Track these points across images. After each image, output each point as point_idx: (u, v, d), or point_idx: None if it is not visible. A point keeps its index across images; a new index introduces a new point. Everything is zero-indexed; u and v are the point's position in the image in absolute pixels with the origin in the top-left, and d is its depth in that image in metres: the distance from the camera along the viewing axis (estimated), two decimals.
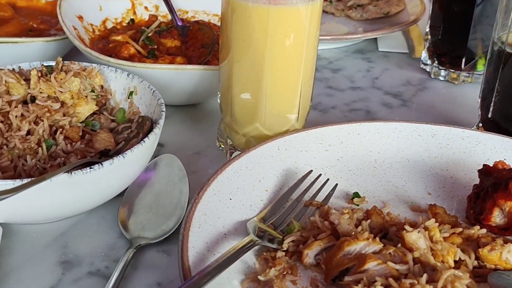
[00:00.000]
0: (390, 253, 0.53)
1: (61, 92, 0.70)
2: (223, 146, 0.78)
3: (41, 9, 1.08)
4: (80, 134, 0.68)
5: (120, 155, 0.58)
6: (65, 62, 0.75)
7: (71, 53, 0.98)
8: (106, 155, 0.67)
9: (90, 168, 0.56)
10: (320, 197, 0.64)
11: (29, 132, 0.66)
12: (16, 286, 0.56)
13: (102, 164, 0.57)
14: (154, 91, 0.71)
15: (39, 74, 0.71)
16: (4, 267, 0.58)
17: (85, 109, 0.71)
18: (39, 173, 0.62)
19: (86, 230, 0.64)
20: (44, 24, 1.01)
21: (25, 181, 0.53)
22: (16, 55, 0.89)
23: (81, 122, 0.71)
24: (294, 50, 0.67)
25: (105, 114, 0.73)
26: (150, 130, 0.68)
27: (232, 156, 0.74)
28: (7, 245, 0.61)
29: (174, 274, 0.58)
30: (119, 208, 0.65)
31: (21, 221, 0.63)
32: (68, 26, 0.86)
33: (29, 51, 0.89)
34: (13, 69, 0.74)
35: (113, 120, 0.74)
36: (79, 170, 0.56)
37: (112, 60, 0.78)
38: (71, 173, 0.55)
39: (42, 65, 0.73)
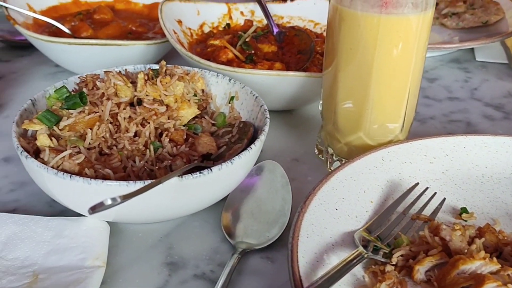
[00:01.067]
0: (508, 274, 0.51)
1: (166, 95, 0.72)
2: (322, 154, 0.77)
3: (138, 12, 1.11)
4: (184, 137, 0.69)
5: (228, 161, 0.59)
6: (169, 66, 0.77)
7: (167, 56, 1.00)
8: (207, 158, 0.68)
9: (200, 172, 0.57)
10: (427, 211, 0.63)
11: (135, 134, 0.68)
12: (126, 284, 0.58)
13: (211, 169, 0.58)
14: (256, 97, 0.72)
15: (146, 78, 0.72)
16: (113, 265, 0.60)
17: (188, 112, 0.73)
18: (147, 175, 0.63)
19: (189, 233, 0.65)
20: (142, 27, 1.04)
21: (141, 184, 0.54)
22: (117, 57, 0.92)
23: (183, 126, 0.72)
24: (403, 60, 0.66)
25: (206, 118, 0.74)
26: (254, 136, 0.69)
27: (335, 166, 0.74)
28: (114, 243, 0.63)
29: (280, 282, 0.58)
30: (222, 213, 0.66)
31: (128, 221, 0.64)
32: (169, 30, 0.88)
33: (129, 53, 0.92)
34: (120, 71, 0.77)
35: (213, 124, 0.75)
36: (189, 175, 0.57)
37: (213, 64, 0.79)
38: (181, 177, 0.56)
39: (149, 68, 0.75)
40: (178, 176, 0.56)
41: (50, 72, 1.02)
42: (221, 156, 0.67)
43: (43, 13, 1.06)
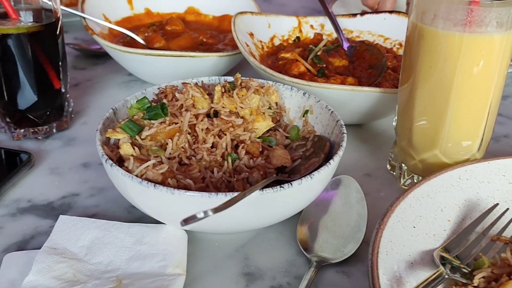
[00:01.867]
0: None
1: (241, 108, 0.73)
2: (395, 170, 0.77)
3: (208, 24, 1.13)
4: (260, 150, 0.70)
5: (308, 176, 0.59)
6: (243, 78, 0.78)
7: (236, 67, 1.01)
8: (282, 171, 0.69)
9: (281, 187, 0.58)
10: (507, 233, 0.61)
11: (212, 145, 0.69)
12: None
13: (291, 184, 0.58)
14: (332, 111, 0.72)
15: (223, 90, 0.74)
16: (192, 273, 0.61)
17: (263, 125, 0.74)
18: (225, 186, 0.64)
19: (265, 244, 0.65)
20: (212, 38, 1.05)
21: (222, 196, 0.55)
22: (189, 67, 0.93)
23: (258, 138, 0.73)
24: (484, 79, 0.65)
25: (280, 131, 0.75)
26: (330, 150, 0.69)
27: (408, 182, 0.73)
28: (192, 251, 0.64)
29: None
30: (298, 226, 0.66)
31: (206, 231, 0.65)
32: (242, 43, 0.89)
33: (201, 64, 0.94)
34: (196, 83, 0.78)
35: (287, 137, 0.75)
36: (270, 188, 0.57)
37: (286, 78, 0.80)
38: (263, 190, 0.57)
39: (226, 81, 0.77)
40: (260, 189, 0.57)
41: (123, 81, 1.05)
42: (296, 170, 0.68)
43: (117, 23, 1.09)
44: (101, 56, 1.14)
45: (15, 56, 0.81)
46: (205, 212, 0.47)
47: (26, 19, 0.83)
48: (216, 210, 0.49)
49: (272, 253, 0.64)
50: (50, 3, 0.83)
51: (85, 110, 0.95)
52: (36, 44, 0.81)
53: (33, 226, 0.69)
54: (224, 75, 0.97)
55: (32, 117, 0.86)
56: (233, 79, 0.79)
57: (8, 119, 0.86)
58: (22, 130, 0.86)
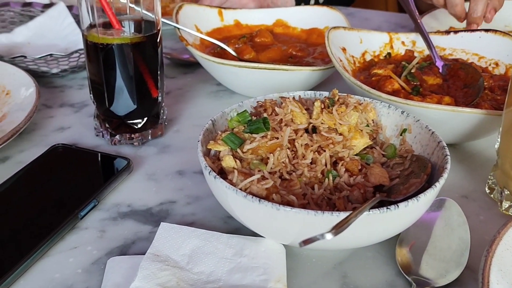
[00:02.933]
0: None
1: (340, 124, 0.72)
2: (494, 193, 0.74)
3: (296, 36, 1.13)
4: (359, 167, 0.69)
5: (414, 198, 0.58)
6: (341, 94, 0.77)
7: (325, 82, 1.00)
8: (380, 190, 0.67)
9: (387, 208, 0.56)
10: None
11: (311, 161, 0.68)
12: None
13: (397, 206, 0.57)
14: (433, 132, 0.70)
15: (322, 106, 0.73)
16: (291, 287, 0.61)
17: (360, 142, 0.72)
18: (325, 203, 0.63)
19: (363, 263, 0.64)
20: (301, 51, 1.05)
21: (329, 215, 0.55)
22: (279, 80, 0.93)
23: (355, 155, 0.72)
24: None
25: (377, 148, 0.74)
26: (431, 172, 0.67)
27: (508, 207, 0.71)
28: (290, 266, 0.63)
29: None
30: (397, 247, 0.64)
31: (307, 247, 0.64)
32: (336, 58, 0.88)
33: (292, 77, 0.93)
34: (294, 97, 0.78)
35: (383, 155, 0.74)
36: (377, 209, 0.56)
37: (383, 95, 0.79)
38: (369, 211, 0.56)
39: (326, 97, 0.76)
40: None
41: (212, 90, 1.06)
42: (395, 189, 0.66)
43: (208, 34, 1.11)
44: (190, 66, 1.15)
45: (117, 65, 0.83)
46: (322, 235, 0.47)
47: (128, 30, 0.85)
48: (336, 233, 0.48)
49: (370, 272, 0.63)
50: (152, 15, 0.84)
51: (177, 118, 0.97)
52: (138, 54, 0.83)
53: (134, 231, 0.70)
54: (312, 89, 0.96)
55: (130, 124, 0.87)
56: (328, 94, 0.79)
57: (107, 125, 0.88)
58: (120, 136, 0.88)
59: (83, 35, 0.85)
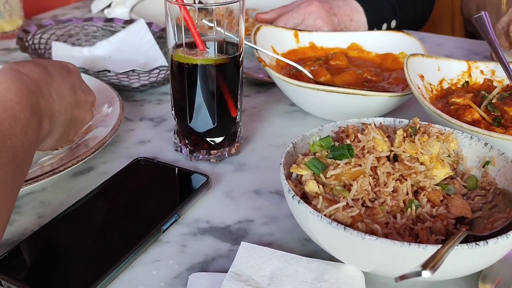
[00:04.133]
0: None
1: (422, 153, 0.70)
2: None
3: (370, 60, 1.12)
4: (441, 198, 0.67)
5: (504, 235, 0.56)
6: (422, 123, 0.76)
7: (400, 108, 0.98)
8: (460, 222, 0.65)
9: (476, 244, 0.54)
10: None
11: (392, 190, 0.67)
12: None
13: (487, 242, 0.55)
14: None
15: (404, 134, 0.72)
16: None
17: (441, 172, 0.70)
18: (408, 233, 0.62)
19: None
20: (376, 76, 1.04)
21: (415, 247, 0.53)
22: (356, 105, 0.92)
23: (436, 185, 0.70)
24: None
25: (458, 179, 0.72)
26: None
27: None
28: None
29: None
30: (479, 282, 0.62)
31: (387, 275, 0.63)
32: (414, 85, 0.86)
33: (369, 103, 0.92)
34: (374, 123, 0.76)
35: (464, 186, 0.72)
36: (465, 245, 0.55)
37: (465, 125, 0.77)
38: (458, 245, 0.54)
39: (408, 125, 0.74)
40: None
41: (286, 110, 1.06)
42: (477, 222, 0.64)
43: (284, 55, 1.11)
44: (264, 85, 1.15)
45: (200, 84, 0.84)
46: (419, 273, 0.46)
47: (212, 50, 0.85)
48: (434, 270, 0.46)
49: None
50: (235, 37, 0.85)
51: (252, 137, 0.97)
52: (220, 75, 0.84)
53: (213, 247, 0.70)
54: (387, 114, 0.95)
55: (208, 141, 0.88)
56: (407, 121, 0.77)
57: (186, 141, 0.89)
58: (198, 152, 0.89)
59: (168, 53, 0.86)
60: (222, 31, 0.85)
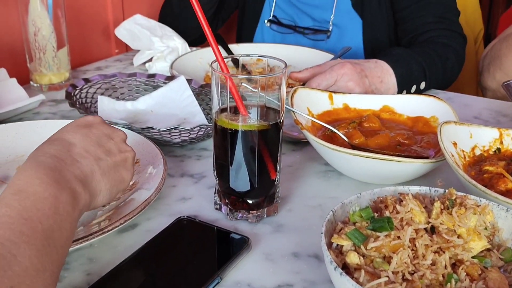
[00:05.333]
0: None
1: (459, 226, 0.70)
2: None
3: (402, 123, 1.12)
4: (479, 272, 0.66)
5: None
6: (458, 193, 0.76)
7: (432, 173, 0.98)
8: None
9: None
10: None
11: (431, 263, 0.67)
12: None
13: None
14: None
15: (442, 206, 0.72)
16: None
17: (478, 245, 0.70)
18: None
19: None
20: (409, 139, 1.04)
21: None
22: (390, 169, 0.93)
23: (473, 258, 0.69)
24: None
25: (495, 252, 0.71)
26: None
27: None
28: None
29: None
30: None
31: None
32: (448, 153, 0.87)
33: (403, 168, 0.92)
34: (412, 194, 0.77)
35: (500, 259, 0.71)
36: None
37: (500, 197, 0.76)
38: None
39: (445, 196, 0.74)
40: None
41: (321, 170, 1.07)
42: None
43: (319, 116, 1.12)
44: (299, 143, 1.17)
45: (242, 148, 0.85)
46: None
47: (254, 115, 0.87)
48: None
49: None
50: (278, 102, 0.86)
51: (289, 196, 0.97)
52: (261, 140, 0.85)
53: None
54: (419, 178, 0.95)
55: (248, 202, 0.89)
56: (443, 191, 0.77)
57: (226, 200, 0.90)
58: (238, 212, 0.89)
59: (213, 117, 0.88)
60: (264, 95, 0.87)
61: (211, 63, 0.85)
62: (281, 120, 0.87)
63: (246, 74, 1.48)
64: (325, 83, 1.24)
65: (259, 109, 0.87)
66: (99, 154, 0.77)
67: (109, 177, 0.78)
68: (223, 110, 0.87)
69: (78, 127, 0.80)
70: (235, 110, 0.87)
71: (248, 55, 0.96)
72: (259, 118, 0.87)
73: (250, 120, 0.86)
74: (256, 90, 0.85)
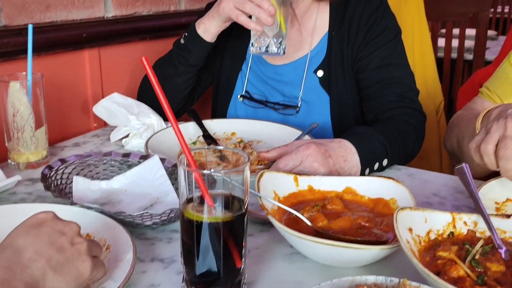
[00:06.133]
0: None
1: None
2: None
3: (364, 204, 1.15)
4: None
5: None
6: (412, 284, 0.78)
7: (388, 258, 1.01)
8: None
9: None
10: None
11: None
12: None
13: None
14: None
15: None
16: None
17: None
18: None
19: None
20: (369, 222, 1.07)
21: None
22: (350, 255, 0.95)
23: None
24: None
25: None
26: None
27: None
28: None
29: None
30: None
31: None
32: (403, 240, 0.90)
33: (360, 253, 0.95)
34: (367, 285, 0.79)
35: None
36: None
37: (450, 287, 0.79)
38: None
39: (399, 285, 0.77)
40: None
41: (286, 252, 1.08)
42: None
43: (285, 198, 1.15)
44: (267, 223, 1.18)
45: (208, 238, 0.87)
46: None
47: (219, 206, 0.89)
48: None
49: None
50: (242, 196, 0.89)
51: (255, 282, 0.99)
52: (226, 230, 0.88)
53: None
54: (378, 262, 0.97)
55: None
56: (398, 281, 0.79)
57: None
58: None
59: (180, 208, 0.90)
60: (229, 180, 0.89)
61: (178, 155, 0.88)
62: (245, 211, 0.89)
63: (218, 153, 1.52)
64: (291, 163, 1.28)
65: (223, 199, 0.90)
66: (51, 254, 0.78)
67: (64, 274, 0.79)
68: (189, 200, 0.90)
69: (29, 228, 0.81)
70: (201, 200, 0.89)
71: (214, 147, 0.99)
72: (223, 209, 0.89)
73: (215, 212, 0.88)
74: (221, 175, 0.88)
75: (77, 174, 1.36)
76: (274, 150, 1.37)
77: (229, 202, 0.91)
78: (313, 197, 1.17)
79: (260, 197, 1.07)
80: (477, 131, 1.32)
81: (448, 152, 1.64)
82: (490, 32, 3.85)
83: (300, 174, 1.19)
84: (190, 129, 1.73)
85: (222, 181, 0.90)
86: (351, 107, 1.78)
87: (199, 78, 1.93)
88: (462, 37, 2.90)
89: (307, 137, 1.60)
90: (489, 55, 2.95)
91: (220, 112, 1.98)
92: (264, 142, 1.69)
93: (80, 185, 1.32)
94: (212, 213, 0.88)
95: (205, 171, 0.88)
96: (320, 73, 1.78)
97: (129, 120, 1.68)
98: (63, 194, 1.26)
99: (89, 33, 1.88)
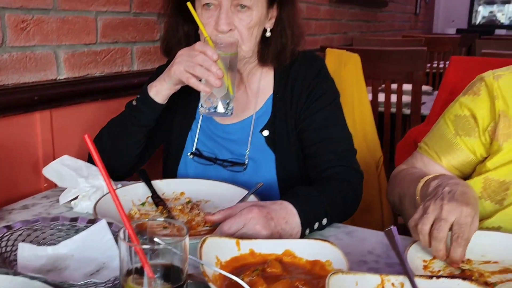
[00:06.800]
0: None
1: None
2: None
3: (302, 266, 1.19)
4: None
5: None
6: None
7: None
8: None
9: None
10: None
11: None
12: None
13: None
14: None
15: None
16: None
17: None
18: None
19: None
20: (307, 284, 1.10)
21: None
22: None
23: None
24: None
25: None
26: None
27: None
28: None
29: None
30: None
31: None
32: None
33: None
34: None
35: None
36: None
37: None
38: None
39: None
40: None
41: None
42: None
43: (227, 262, 1.18)
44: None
45: None
46: None
47: (158, 278, 0.91)
48: None
49: None
50: (182, 265, 0.92)
51: None
52: None
53: None
54: None
55: None
56: None
57: None
58: None
59: (120, 281, 0.92)
60: (171, 247, 0.92)
61: (119, 231, 0.90)
62: (184, 281, 0.92)
63: (167, 212, 1.54)
64: (235, 226, 1.31)
65: (163, 269, 0.92)
66: None
67: None
68: (129, 272, 0.91)
69: None
70: (141, 270, 0.91)
71: (155, 221, 1.02)
72: (162, 278, 0.91)
73: (156, 284, 0.90)
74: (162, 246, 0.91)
75: (23, 240, 1.35)
76: (219, 213, 1.40)
77: (169, 271, 0.93)
78: (254, 260, 1.20)
79: (202, 264, 1.09)
80: (416, 197, 1.40)
81: (391, 204, 1.71)
82: (426, 87, 4.04)
83: (242, 238, 1.22)
84: (139, 189, 1.75)
85: (162, 249, 0.93)
86: (295, 165, 1.84)
87: (150, 137, 1.96)
88: (399, 93, 3.06)
89: (252, 196, 1.64)
90: (425, 110, 3.10)
91: (171, 169, 2.00)
92: (212, 201, 1.72)
93: (26, 251, 1.31)
94: (152, 286, 0.90)
95: (145, 246, 0.90)
96: (265, 132, 1.85)
97: (78, 182, 1.69)
98: (7, 262, 1.25)
99: (41, 95, 1.89)
